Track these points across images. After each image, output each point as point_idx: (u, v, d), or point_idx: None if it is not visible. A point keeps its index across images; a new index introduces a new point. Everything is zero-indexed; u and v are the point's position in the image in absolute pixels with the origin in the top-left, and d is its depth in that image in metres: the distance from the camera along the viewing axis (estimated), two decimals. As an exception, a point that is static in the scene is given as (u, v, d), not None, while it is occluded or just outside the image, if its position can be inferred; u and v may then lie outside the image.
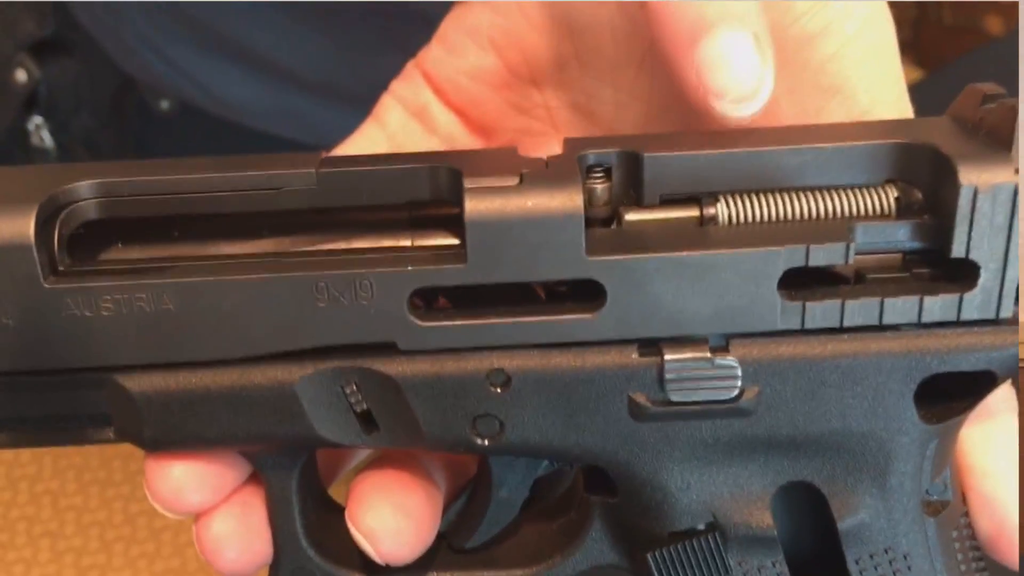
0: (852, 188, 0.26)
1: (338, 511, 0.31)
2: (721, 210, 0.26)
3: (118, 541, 1.00)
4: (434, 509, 0.30)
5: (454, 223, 0.26)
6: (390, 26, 0.55)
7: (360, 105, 0.35)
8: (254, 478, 0.30)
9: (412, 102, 0.34)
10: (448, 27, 0.33)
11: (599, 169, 0.26)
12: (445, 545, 0.31)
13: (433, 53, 0.33)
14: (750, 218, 0.26)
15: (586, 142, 0.27)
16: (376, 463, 0.30)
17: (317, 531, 0.30)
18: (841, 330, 0.26)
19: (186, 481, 0.28)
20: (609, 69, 0.32)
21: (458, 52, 0.33)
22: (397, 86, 0.34)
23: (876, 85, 0.29)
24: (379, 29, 0.56)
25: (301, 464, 0.29)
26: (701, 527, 0.28)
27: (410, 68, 0.34)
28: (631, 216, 0.26)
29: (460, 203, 0.25)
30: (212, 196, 0.26)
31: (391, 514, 0.29)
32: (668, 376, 0.26)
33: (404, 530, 0.29)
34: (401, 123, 0.34)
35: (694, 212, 0.26)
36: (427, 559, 0.30)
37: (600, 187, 0.26)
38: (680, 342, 0.26)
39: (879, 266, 0.27)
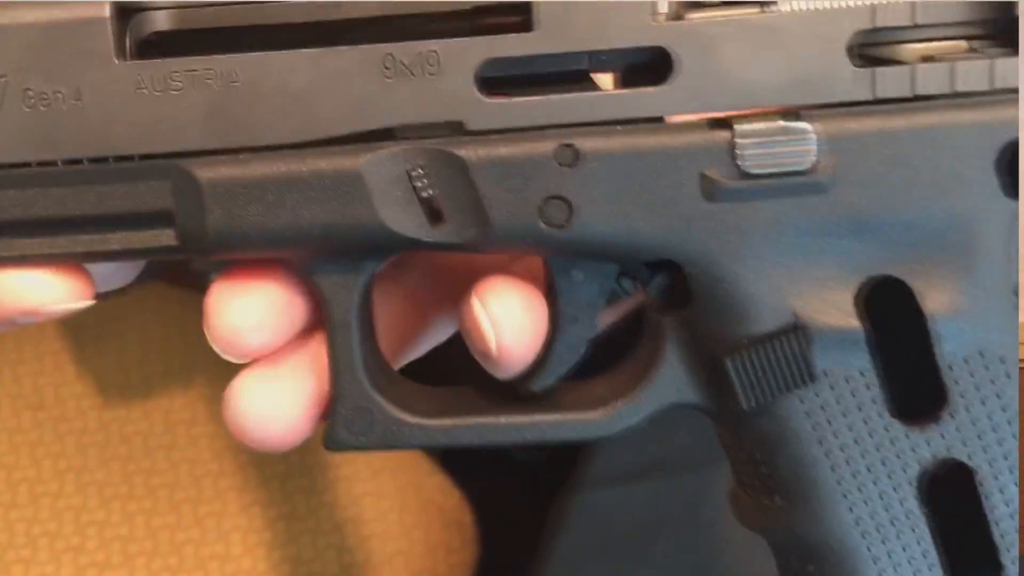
0: None
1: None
2: (782, 4, 0.27)
3: (115, 540, 0.97)
4: (545, 319, 0.29)
5: (522, 27, 0.28)
6: None
7: None
8: (311, 341, 0.30)
9: None
10: None
11: None
12: (510, 390, 0.30)
13: None
14: (812, 6, 0.27)
15: None
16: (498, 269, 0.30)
17: (375, 369, 0.30)
18: (915, 100, 0.27)
19: (246, 318, 0.28)
20: None
21: None
22: None
23: None
24: None
25: (363, 284, 0.29)
26: (783, 328, 0.27)
27: None
28: (694, 15, 0.28)
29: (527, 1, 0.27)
30: (277, 6, 0.28)
31: (520, 306, 0.28)
32: (740, 147, 0.26)
33: (528, 327, 0.28)
34: None
35: (755, 10, 0.27)
36: (490, 403, 0.29)
37: None
38: (751, 114, 0.27)
39: (945, 51, 0.27)
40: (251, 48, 0.28)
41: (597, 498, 0.67)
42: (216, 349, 0.29)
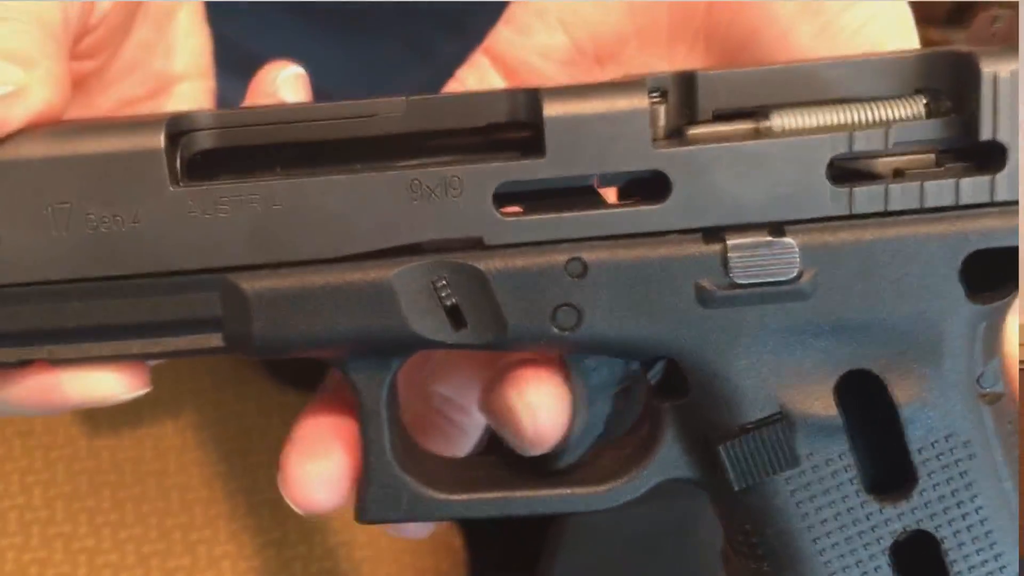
0: (886, 99, 0.31)
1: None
2: (776, 121, 0.31)
3: (106, 568, 1.00)
4: (570, 407, 0.32)
5: (531, 142, 0.31)
6: (415, 34, 0.59)
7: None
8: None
9: (477, 87, 0.38)
10: (516, 10, 0.38)
11: (656, 92, 0.31)
12: (530, 469, 0.33)
13: (502, 35, 0.38)
14: (798, 128, 0.31)
15: (643, 73, 0.32)
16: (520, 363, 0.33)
17: (402, 450, 0.33)
18: (886, 214, 0.30)
19: (320, 480, 0.32)
20: (665, 45, 0.37)
21: (528, 32, 0.38)
22: (463, 72, 0.39)
23: (896, 36, 0.34)
24: (403, 40, 0.60)
25: (391, 376, 0.32)
26: (769, 417, 0.31)
27: (476, 56, 0.39)
28: (693, 131, 0.31)
29: (537, 120, 0.30)
30: (312, 124, 0.31)
31: (552, 393, 0.32)
32: (731, 259, 0.30)
33: (557, 410, 0.32)
34: None
35: (750, 124, 0.31)
36: (507, 479, 0.33)
37: (658, 108, 0.31)
38: (741, 229, 0.30)
39: (915, 165, 0.31)
40: (287, 162, 0.31)
41: (593, 519, 0.70)
42: (294, 508, 0.33)
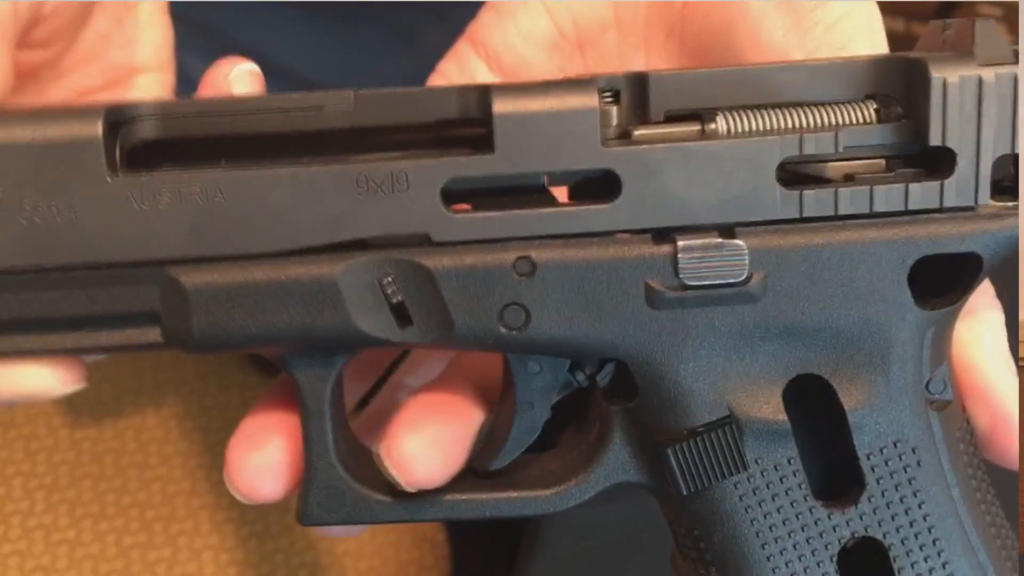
0: (836, 103, 0.31)
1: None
2: (720, 123, 0.31)
3: (87, 559, 1.01)
4: (467, 437, 0.33)
5: (481, 139, 0.31)
6: (400, 22, 0.59)
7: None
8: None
9: (459, 78, 0.38)
10: None
11: (608, 92, 0.31)
12: (469, 470, 0.34)
13: (485, 19, 0.39)
14: (747, 130, 0.31)
15: (596, 73, 0.32)
16: (413, 397, 0.33)
17: (346, 451, 0.33)
18: (836, 218, 0.30)
19: (263, 468, 0.32)
20: (643, 34, 0.37)
21: (512, 16, 0.38)
22: (444, 65, 0.39)
23: (873, 49, 0.35)
24: (389, 27, 0.60)
25: (335, 375, 0.32)
26: (717, 421, 0.31)
27: (458, 46, 0.39)
28: (640, 131, 0.31)
29: (487, 117, 0.30)
30: (258, 116, 0.31)
31: (423, 443, 0.32)
32: (681, 261, 0.30)
33: (434, 459, 0.32)
34: None
35: (696, 126, 0.31)
36: (452, 482, 0.33)
37: (610, 108, 0.31)
38: (691, 230, 0.30)
39: (865, 169, 0.31)
40: (233, 154, 0.31)
41: (573, 515, 0.71)
42: (238, 497, 0.33)
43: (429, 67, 0.40)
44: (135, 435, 1.06)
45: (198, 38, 0.63)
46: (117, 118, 0.30)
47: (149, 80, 0.40)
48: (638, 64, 0.38)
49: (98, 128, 0.30)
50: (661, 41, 0.37)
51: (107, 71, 0.39)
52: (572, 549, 0.72)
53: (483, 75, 0.39)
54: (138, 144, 0.31)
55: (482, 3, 0.39)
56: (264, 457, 0.33)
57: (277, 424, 0.33)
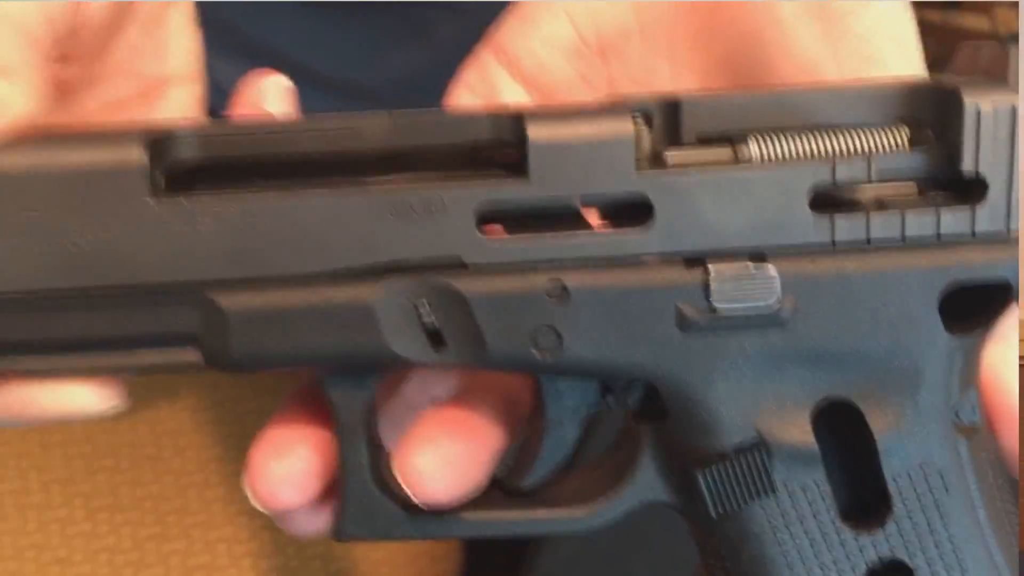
0: (869, 127, 0.31)
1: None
2: (752, 148, 0.31)
3: (102, 552, 1.03)
4: (483, 457, 0.33)
5: (514, 163, 0.31)
6: (413, 15, 0.58)
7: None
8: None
9: (481, 87, 0.38)
10: (523, 3, 0.38)
11: (641, 115, 0.31)
12: (499, 487, 0.34)
13: (508, 25, 0.38)
14: (779, 154, 0.31)
15: (629, 95, 0.32)
16: (430, 412, 0.34)
17: (379, 469, 0.33)
18: (867, 244, 0.31)
19: (285, 478, 0.32)
20: (667, 42, 0.37)
21: (535, 22, 0.38)
22: (467, 74, 0.39)
23: (907, 62, 0.34)
24: (398, 19, 0.59)
25: (368, 395, 0.33)
26: (747, 444, 0.31)
27: (481, 53, 0.39)
28: (672, 154, 0.31)
29: (521, 141, 0.30)
30: (295, 137, 0.31)
31: (435, 459, 0.32)
32: (713, 286, 0.30)
33: (446, 476, 0.32)
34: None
35: (728, 150, 0.31)
36: (482, 500, 0.33)
37: (643, 131, 0.31)
38: (722, 255, 0.31)
39: (896, 194, 0.31)
40: (269, 176, 0.32)
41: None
42: (256, 504, 0.33)
43: (442, 60, 0.40)
44: (149, 428, 1.07)
45: (210, 32, 0.63)
46: (157, 141, 0.31)
47: (180, 91, 0.40)
48: (663, 73, 0.38)
49: (139, 152, 0.30)
50: (687, 49, 0.37)
51: (139, 81, 0.39)
52: (580, 543, 0.73)
53: (505, 82, 0.39)
54: (178, 167, 0.31)
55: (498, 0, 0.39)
56: (287, 466, 0.33)
57: (302, 433, 0.33)
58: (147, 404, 1.08)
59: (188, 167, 0.31)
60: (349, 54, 0.63)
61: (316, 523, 0.34)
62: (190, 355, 0.31)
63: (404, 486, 0.32)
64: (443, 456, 0.32)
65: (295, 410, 0.34)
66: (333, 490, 0.33)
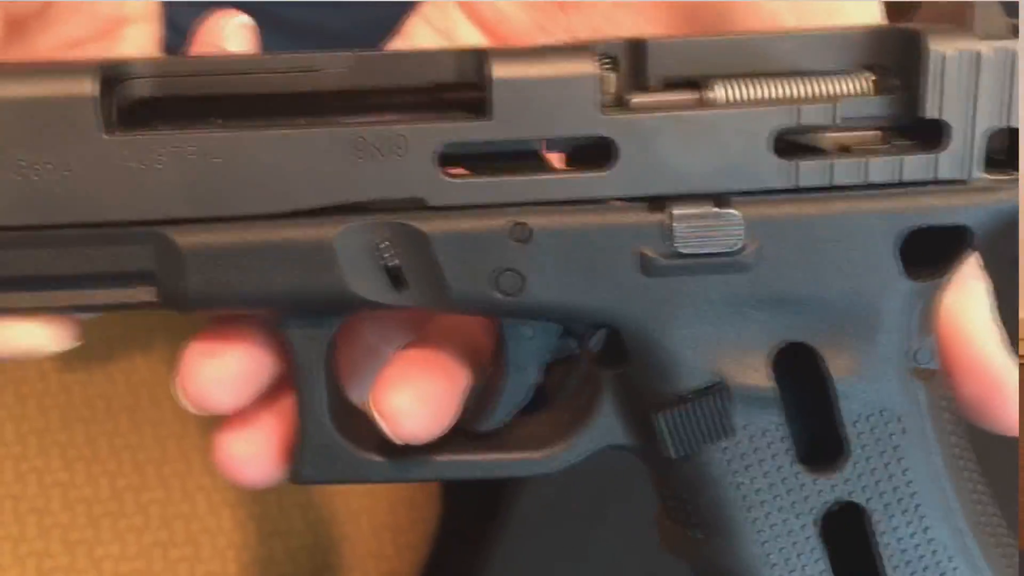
0: (834, 74, 0.31)
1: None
2: (718, 92, 0.31)
3: (80, 502, 1.04)
4: (454, 395, 0.33)
5: (477, 103, 0.31)
6: None
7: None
8: (279, 396, 0.33)
9: (441, 23, 0.38)
10: None
11: (607, 59, 0.31)
12: (460, 429, 0.34)
13: None
14: (744, 99, 0.31)
15: (595, 38, 0.32)
16: (401, 352, 0.34)
17: (338, 411, 0.33)
18: (831, 189, 0.31)
19: (216, 379, 0.32)
20: None
21: None
22: (426, 8, 0.39)
23: (867, 15, 0.34)
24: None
25: (329, 337, 0.33)
26: (707, 387, 0.32)
27: None
28: (637, 99, 0.31)
29: (484, 81, 0.30)
30: (255, 76, 0.31)
31: (412, 397, 0.32)
32: (675, 229, 0.30)
33: (423, 413, 0.32)
34: (429, 43, 0.39)
35: (694, 95, 0.31)
36: (442, 442, 0.33)
37: (608, 75, 0.31)
38: (686, 199, 0.30)
39: (860, 141, 0.31)
40: (228, 114, 0.31)
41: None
42: (186, 406, 0.32)
43: (410, 6, 0.39)
44: (125, 378, 1.06)
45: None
46: (112, 75, 0.30)
47: (137, 31, 0.39)
48: (625, 26, 0.37)
49: (93, 85, 0.29)
50: (649, 3, 0.37)
51: (96, 21, 0.38)
52: (557, 490, 0.73)
53: (462, 26, 0.38)
54: (133, 102, 0.31)
55: None
56: (219, 367, 0.32)
57: (238, 336, 0.33)
58: (123, 355, 1.08)
59: (145, 103, 0.31)
60: (357, 13, 0.62)
61: (267, 468, 0.33)
62: (145, 294, 0.31)
63: (382, 425, 0.32)
64: (420, 394, 0.32)
65: (233, 316, 0.34)
66: (286, 435, 0.33)
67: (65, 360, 1.07)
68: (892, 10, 0.35)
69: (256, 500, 1.04)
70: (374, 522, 1.07)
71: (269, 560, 1.03)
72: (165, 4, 0.40)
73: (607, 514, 0.74)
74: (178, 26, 0.62)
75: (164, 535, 1.02)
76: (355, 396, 0.36)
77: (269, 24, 0.64)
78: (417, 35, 0.39)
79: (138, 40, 0.39)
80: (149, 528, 1.00)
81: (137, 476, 1.03)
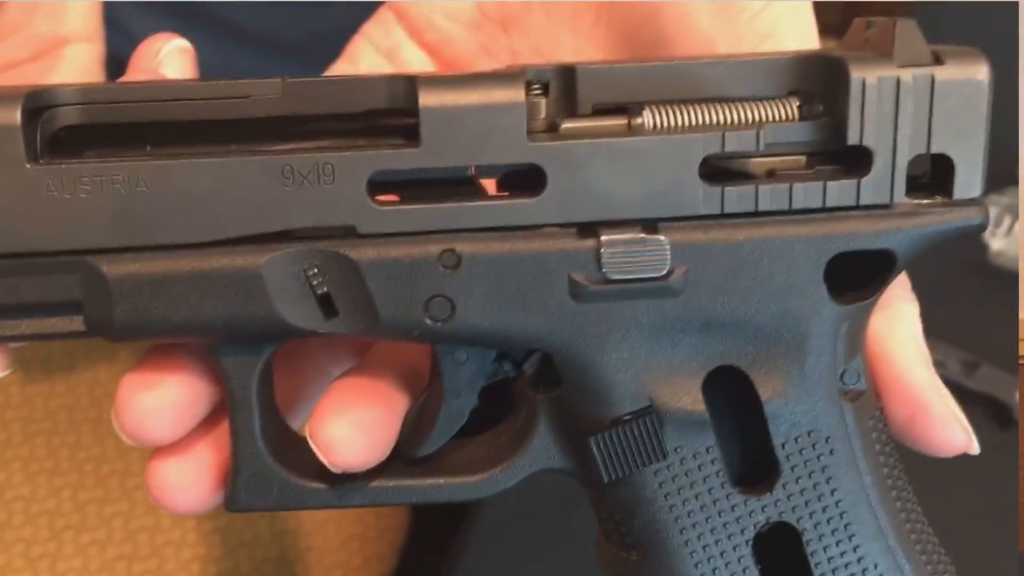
0: (760, 99, 0.31)
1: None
2: (647, 118, 0.31)
3: (42, 515, 1.02)
4: (392, 422, 0.33)
5: (408, 130, 0.31)
6: None
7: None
8: (215, 423, 0.33)
9: (384, 43, 0.38)
10: None
11: (537, 85, 0.31)
12: (397, 455, 0.34)
13: None
14: (672, 125, 0.31)
15: (527, 64, 0.32)
16: (339, 380, 0.34)
17: (274, 438, 0.33)
18: (756, 215, 0.31)
19: (153, 411, 0.32)
20: (569, 16, 0.37)
21: None
22: (369, 28, 0.39)
23: (801, 37, 0.35)
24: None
25: (262, 363, 0.33)
26: (639, 411, 0.32)
27: (382, 11, 0.39)
28: (567, 124, 0.31)
29: (414, 108, 0.30)
30: (184, 103, 0.30)
31: (349, 426, 0.32)
32: (604, 255, 0.31)
33: (361, 442, 0.32)
34: (373, 64, 0.39)
35: (623, 120, 0.31)
36: (380, 468, 0.34)
37: (539, 101, 0.31)
38: (615, 225, 0.31)
39: (786, 166, 0.32)
40: (157, 141, 0.31)
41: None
42: (124, 438, 0.32)
43: (366, 16, 0.39)
44: (88, 390, 1.06)
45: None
46: (37, 104, 0.30)
47: (77, 51, 0.39)
48: (565, 47, 0.38)
49: (17, 115, 0.29)
50: (589, 25, 0.37)
51: (33, 42, 0.38)
52: (522, 498, 0.74)
53: (406, 47, 0.38)
54: (59, 130, 0.30)
55: None
56: (157, 398, 0.32)
57: (171, 366, 0.32)
58: (85, 367, 1.07)
59: (70, 131, 0.30)
60: (272, 8, 0.62)
61: (201, 496, 0.33)
62: (73, 323, 0.31)
63: (320, 455, 0.32)
64: (357, 423, 0.32)
65: (170, 346, 0.33)
66: (222, 462, 0.33)
67: (26, 372, 1.06)
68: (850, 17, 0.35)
69: (221, 512, 1.03)
70: (341, 533, 1.07)
71: (234, 573, 1.02)
72: (118, 7, 0.40)
73: (573, 516, 0.74)
74: (135, 39, 0.61)
75: (128, 548, 1.02)
76: (302, 420, 0.36)
77: (223, 32, 0.63)
78: (360, 56, 0.39)
79: (79, 60, 0.39)
80: (112, 542, 0.99)
81: (100, 489, 1.02)
